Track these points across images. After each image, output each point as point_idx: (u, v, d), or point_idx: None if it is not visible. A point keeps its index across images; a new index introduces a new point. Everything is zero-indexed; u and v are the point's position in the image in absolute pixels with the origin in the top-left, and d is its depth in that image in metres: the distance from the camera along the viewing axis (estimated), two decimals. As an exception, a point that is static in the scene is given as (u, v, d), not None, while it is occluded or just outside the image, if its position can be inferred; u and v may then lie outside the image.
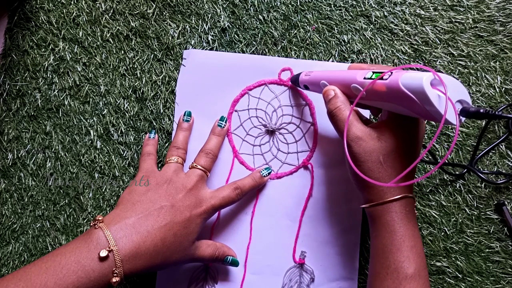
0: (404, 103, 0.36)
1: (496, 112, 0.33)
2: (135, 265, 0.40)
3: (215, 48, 0.55)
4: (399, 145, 0.40)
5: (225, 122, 0.53)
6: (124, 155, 0.54)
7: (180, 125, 0.52)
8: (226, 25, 0.55)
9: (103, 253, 0.38)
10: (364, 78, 0.40)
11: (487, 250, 0.52)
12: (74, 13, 0.56)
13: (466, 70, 0.54)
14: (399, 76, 0.35)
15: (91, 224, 0.42)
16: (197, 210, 0.45)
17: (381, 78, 0.37)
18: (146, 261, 0.41)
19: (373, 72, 0.39)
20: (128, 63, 0.55)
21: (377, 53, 0.54)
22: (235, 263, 0.50)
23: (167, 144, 0.54)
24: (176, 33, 0.55)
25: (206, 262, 0.51)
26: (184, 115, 0.53)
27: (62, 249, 0.39)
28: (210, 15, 0.56)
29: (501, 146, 0.53)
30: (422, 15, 0.55)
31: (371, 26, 0.55)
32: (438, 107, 0.33)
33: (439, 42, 0.54)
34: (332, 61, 0.54)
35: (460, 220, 0.52)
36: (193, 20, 0.56)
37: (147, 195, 0.45)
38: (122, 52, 0.55)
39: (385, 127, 0.41)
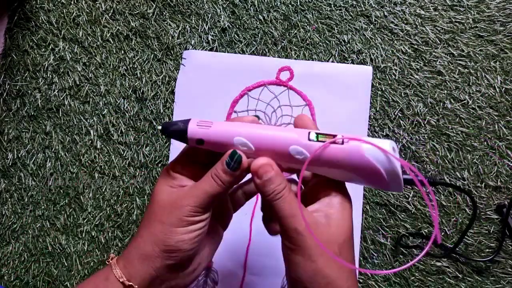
0: (363, 174, 0.32)
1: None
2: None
3: (215, 48, 0.55)
4: (349, 226, 0.33)
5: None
6: (124, 155, 0.54)
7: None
8: (226, 25, 0.55)
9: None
10: (309, 140, 0.32)
11: (487, 250, 0.52)
12: (74, 13, 0.56)
13: (466, 70, 0.54)
14: (360, 145, 0.31)
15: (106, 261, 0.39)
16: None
17: (333, 142, 0.32)
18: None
19: (316, 134, 0.32)
20: (128, 63, 0.55)
21: (377, 53, 0.54)
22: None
23: (167, 144, 0.54)
24: (176, 33, 0.55)
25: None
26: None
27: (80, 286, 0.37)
28: (210, 15, 0.56)
29: (501, 146, 0.53)
30: (422, 15, 0.55)
31: (371, 26, 0.55)
32: (401, 177, 0.31)
33: (439, 42, 0.54)
34: (332, 61, 0.54)
35: (460, 220, 0.52)
36: (193, 20, 0.56)
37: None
38: (122, 52, 0.55)
39: (328, 207, 0.34)
